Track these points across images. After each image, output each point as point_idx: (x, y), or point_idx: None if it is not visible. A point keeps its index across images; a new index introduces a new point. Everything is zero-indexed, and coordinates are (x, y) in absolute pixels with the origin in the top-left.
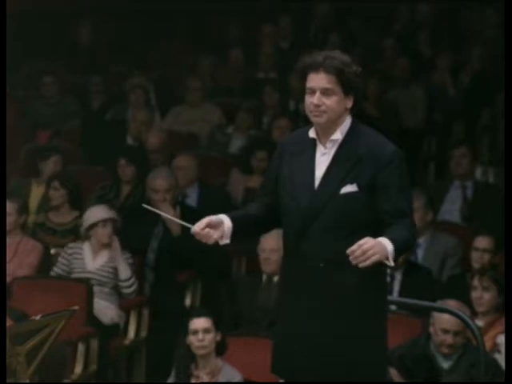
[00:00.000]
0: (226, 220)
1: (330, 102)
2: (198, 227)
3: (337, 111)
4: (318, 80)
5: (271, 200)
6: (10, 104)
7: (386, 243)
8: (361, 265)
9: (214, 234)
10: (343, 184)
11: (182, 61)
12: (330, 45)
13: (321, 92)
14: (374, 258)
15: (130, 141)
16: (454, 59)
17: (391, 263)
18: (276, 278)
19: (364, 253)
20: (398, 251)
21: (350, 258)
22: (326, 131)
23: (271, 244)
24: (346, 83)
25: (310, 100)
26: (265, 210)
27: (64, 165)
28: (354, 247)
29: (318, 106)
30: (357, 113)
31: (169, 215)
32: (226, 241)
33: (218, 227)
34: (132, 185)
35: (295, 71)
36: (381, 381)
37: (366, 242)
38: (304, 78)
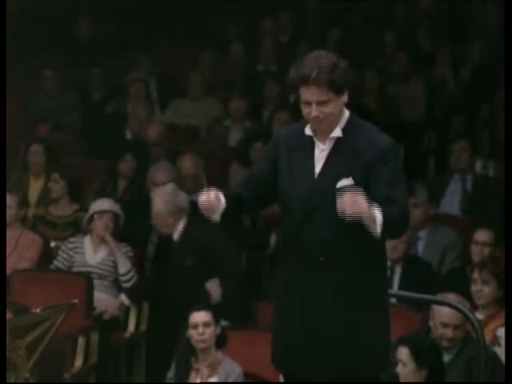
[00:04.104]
0: (222, 200)
1: (328, 109)
2: (208, 197)
3: (336, 113)
4: (310, 94)
5: (257, 188)
6: (10, 98)
7: (374, 209)
8: (347, 212)
9: (215, 210)
10: (340, 178)
11: (182, 55)
12: (329, 40)
13: (317, 103)
14: (362, 209)
15: (128, 135)
16: (454, 54)
17: (377, 230)
18: None
19: (354, 202)
20: (385, 222)
21: (338, 203)
22: (325, 130)
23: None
24: (338, 87)
25: (307, 111)
26: (250, 197)
27: (51, 156)
28: (345, 197)
29: (317, 116)
30: (356, 107)
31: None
32: (217, 218)
33: (218, 203)
34: (130, 178)
35: (287, 84)
36: (380, 371)
37: (359, 196)
38: (296, 90)
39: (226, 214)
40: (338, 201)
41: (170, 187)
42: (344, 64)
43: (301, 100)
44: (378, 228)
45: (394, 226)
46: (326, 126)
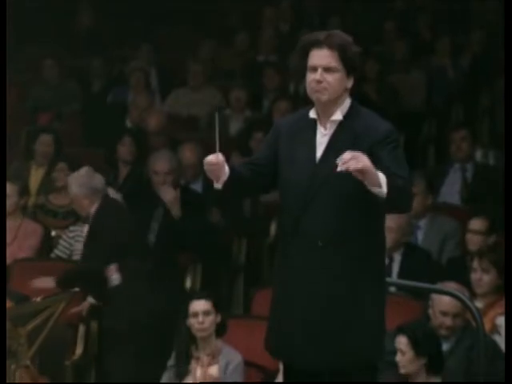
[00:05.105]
0: (227, 169)
1: (332, 78)
2: (215, 157)
3: (338, 89)
4: (320, 57)
5: (257, 171)
6: (10, 87)
7: (378, 172)
8: (352, 167)
9: (221, 172)
10: None
11: (183, 44)
12: (330, 28)
13: (323, 69)
14: (365, 165)
15: (129, 124)
16: (454, 43)
17: (384, 190)
18: None
19: (355, 157)
20: (390, 186)
21: (340, 163)
22: (326, 111)
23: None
24: (348, 61)
25: (312, 76)
26: (250, 178)
27: (58, 146)
28: (345, 154)
29: (319, 82)
30: (357, 96)
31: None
32: (219, 185)
33: (223, 167)
34: (130, 167)
35: (296, 49)
36: (377, 361)
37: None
38: (305, 56)
39: (227, 184)
40: (338, 159)
41: (84, 170)
42: (357, 47)
43: (308, 67)
44: (383, 187)
45: (399, 190)
46: (326, 100)
